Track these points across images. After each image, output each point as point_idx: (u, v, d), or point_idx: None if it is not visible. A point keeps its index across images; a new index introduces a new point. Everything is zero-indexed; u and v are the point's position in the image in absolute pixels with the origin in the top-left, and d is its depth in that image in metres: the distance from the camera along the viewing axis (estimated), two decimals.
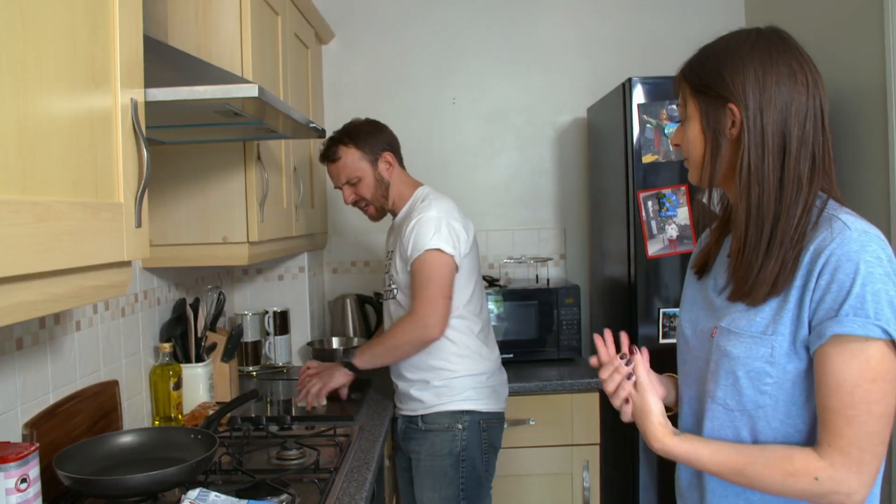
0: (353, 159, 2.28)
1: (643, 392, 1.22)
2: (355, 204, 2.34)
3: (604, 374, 1.27)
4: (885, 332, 1.01)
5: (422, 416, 2.20)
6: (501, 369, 2.32)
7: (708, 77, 1.16)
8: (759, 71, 1.11)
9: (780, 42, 1.14)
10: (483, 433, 2.19)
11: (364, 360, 2.22)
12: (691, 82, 1.19)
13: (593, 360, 1.31)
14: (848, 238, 1.05)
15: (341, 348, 2.87)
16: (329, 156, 2.31)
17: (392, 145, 2.32)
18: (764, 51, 1.12)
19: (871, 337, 1.01)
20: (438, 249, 2.10)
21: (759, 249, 1.11)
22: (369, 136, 2.28)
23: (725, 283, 1.21)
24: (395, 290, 2.26)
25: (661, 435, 1.18)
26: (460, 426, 2.16)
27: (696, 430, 1.24)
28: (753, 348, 1.12)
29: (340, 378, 2.26)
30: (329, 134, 2.32)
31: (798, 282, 1.08)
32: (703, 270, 1.30)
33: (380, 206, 2.33)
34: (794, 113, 1.10)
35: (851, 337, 1.02)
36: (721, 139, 1.15)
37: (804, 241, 1.09)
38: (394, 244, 2.29)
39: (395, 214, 2.35)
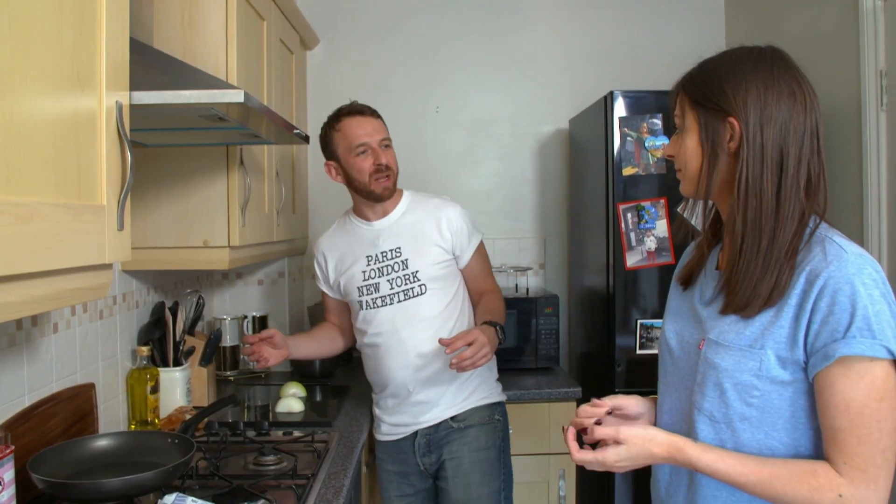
0: (384, 126, 2.20)
1: (623, 435, 1.17)
2: (386, 169, 2.11)
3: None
4: (890, 351, 1.03)
5: (452, 416, 2.13)
6: None
7: (709, 90, 1.16)
8: (762, 88, 1.13)
9: (781, 61, 1.16)
10: (507, 422, 2.24)
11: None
12: (691, 94, 1.20)
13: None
14: (845, 261, 1.06)
15: None
16: (373, 111, 2.19)
17: None
18: (766, 68, 1.14)
19: (877, 357, 1.03)
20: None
21: (755, 263, 1.12)
22: None
23: (713, 296, 1.22)
24: (424, 287, 2.11)
25: (680, 447, 1.15)
26: (498, 417, 2.19)
27: None
28: (742, 361, 1.13)
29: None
30: (309, 143, 2.31)
31: (793, 301, 1.09)
32: (688, 282, 1.32)
33: (395, 182, 2.17)
34: (792, 131, 1.12)
35: (857, 358, 1.04)
36: (719, 152, 1.16)
37: (796, 258, 1.11)
38: (405, 240, 2.15)
39: (384, 211, 2.18)
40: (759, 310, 1.12)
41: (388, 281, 2.14)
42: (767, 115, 1.12)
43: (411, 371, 2.10)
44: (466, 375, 2.11)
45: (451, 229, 2.16)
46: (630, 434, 1.17)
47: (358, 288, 2.17)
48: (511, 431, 2.26)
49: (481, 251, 2.24)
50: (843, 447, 1.05)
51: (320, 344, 2.38)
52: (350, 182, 2.17)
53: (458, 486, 2.11)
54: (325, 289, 2.31)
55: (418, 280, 2.12)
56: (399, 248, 2.14)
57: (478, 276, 2.24)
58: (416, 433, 2.15)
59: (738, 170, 1.14)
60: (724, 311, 1.17)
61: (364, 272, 2.17)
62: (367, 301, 2.16)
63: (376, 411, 2.24)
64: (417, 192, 2.26)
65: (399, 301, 2.13)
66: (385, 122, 2.21)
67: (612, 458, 1.17)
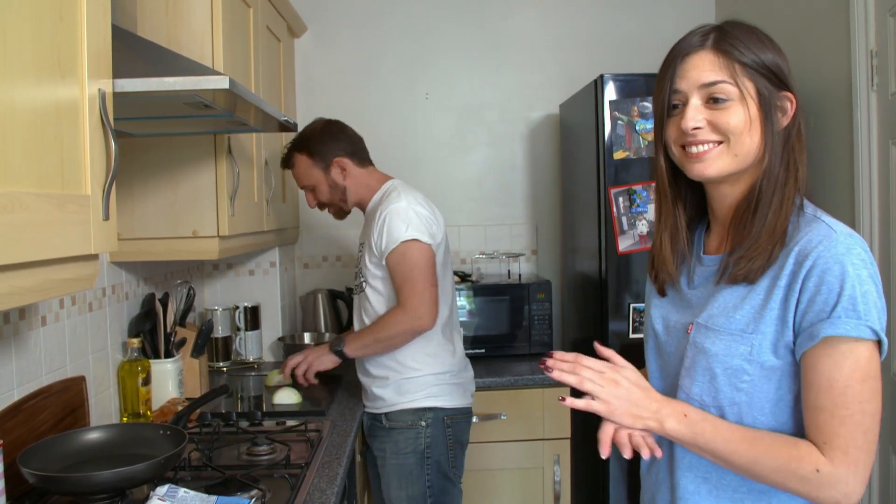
0: (305, 167, 2.29)
1: (624, 363, 1.16)
2: (318, 207, 2.38)
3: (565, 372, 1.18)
4: (874, 332, 1.03)
5: (385, 413, 2.18)
6: (467, 366, 2.31)
7: (769, 61, 1.13)
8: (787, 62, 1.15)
9: None
10: (448, 429, 2.18)
11: (354, 349, 2.20)
12: (749, 62, 1.12)
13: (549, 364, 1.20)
14: (835, 241, 1.05)
15: (313, 343, 2.85)
16: (284, 163, 2.39)
17: (349, 149, 2.28)
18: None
19: (861, 338, 1.02)
20: (415, 240, 2.08)
21: (765, 236, 1.11)
22: (321, 143, 2.26)
23: (704, 280, 1.21)
24: (364, 283, 2.23)
25: (668, 412, 1.13)
26: (424, 423, 2.15)
27: None
28: (732, 346, 1.12)
29: (328, 362, 2.27)
30: (298, 130, 2.31)
31: (782, 282, 1.08)
32: (664, 291, 1.30)
33: (339, 209, 2.36)
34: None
35: (842, 338, 1.03)
36: (775, 127, 1.12)
37: (785, 234, 1.11)
38: (364, 236, 2.27)
39: (363, 208, 2.33)
40: (758, 276, 1.11)
41: (355, 270, 2.32)
42: (795, 91, 1.14)
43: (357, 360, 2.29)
44: (404, 375, 2.16)
45: (379, 229, 2.12)
46: (630, 369, 1.16)
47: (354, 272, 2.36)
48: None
49: (399, 258, 2.09)
50: (823, 427, 1.05)
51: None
52: None
53: (382, 483, 2.22)
54: None
55: (362, 276, 2.24)
56: (363, 242, 2.26)
57: (393, 282, 2.13)
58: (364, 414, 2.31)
59: (771, 145, 1.12)
60: (731, 280, 1.14)
61: (355, 256, 2.36)
62: (353, 286, 2.36)
63: None
64: (400, 185, 2.24)
65: (356, 293, 2.31)
66: (308, 157, 2.28)
67: (612, 376, 1.14)
